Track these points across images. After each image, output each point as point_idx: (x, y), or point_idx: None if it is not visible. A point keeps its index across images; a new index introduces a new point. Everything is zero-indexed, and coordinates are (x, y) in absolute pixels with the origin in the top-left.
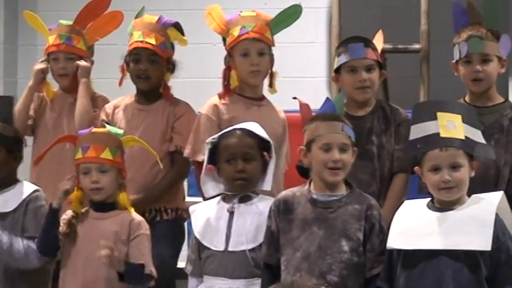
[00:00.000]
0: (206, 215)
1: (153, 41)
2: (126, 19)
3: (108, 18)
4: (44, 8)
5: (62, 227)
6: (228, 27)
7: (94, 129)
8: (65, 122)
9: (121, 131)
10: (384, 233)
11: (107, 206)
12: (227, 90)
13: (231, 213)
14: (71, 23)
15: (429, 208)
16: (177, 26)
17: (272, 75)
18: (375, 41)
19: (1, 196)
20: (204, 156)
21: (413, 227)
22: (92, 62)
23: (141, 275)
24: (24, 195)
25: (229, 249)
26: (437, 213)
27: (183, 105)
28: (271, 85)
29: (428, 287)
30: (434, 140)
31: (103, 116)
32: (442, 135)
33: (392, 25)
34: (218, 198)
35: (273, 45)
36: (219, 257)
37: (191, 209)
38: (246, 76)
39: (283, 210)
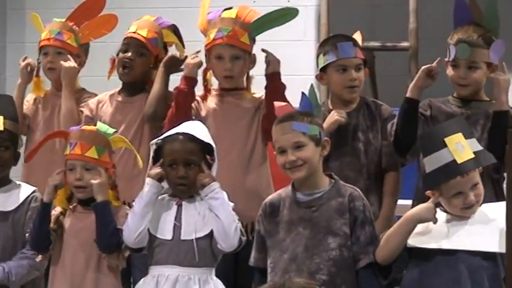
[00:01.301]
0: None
1: (144, 34)
2: (119, 17)
3: (103, 20)
4: (32, 6)
5: (51, 225)
6: (208, 27)
7: (84, 127)
8: (55, 121)
9: (111, 131)
10: (370, 223)
11: (93, 201)
12: (206, 91)
13: (179, 205)
14: (63, 20)
15: (443, 211)
16: (175, 30)
17: (248, 79)
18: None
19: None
20: None
21: (431, 227)
22: (83, 62)
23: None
24: (25, 196)
25: (182, 238)
26: (454, 216)
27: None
28: (247, 88)
29: (448, 285)
30: (453, 169)
31: (87, 112)
32: (459, 161)
33: (381, 23)
34: (165, 194)
35: (251, 48)
36: (169, 245)
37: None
38: (221, 80)
39: (269, 213)
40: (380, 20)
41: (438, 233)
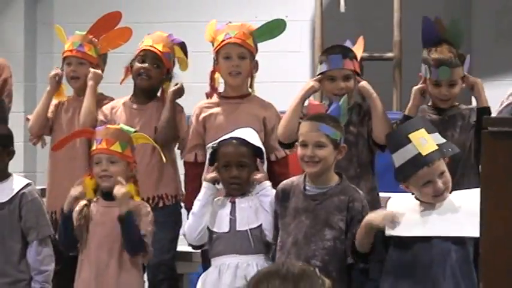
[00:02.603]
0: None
1: (160, 48)
2: (135, 31)
3: (119, 33)
4: (60, 20)
5: (76, 215)
6: (216, 35)
7: (108, 125)
8: (76, 122)
9: (132, 129)
10: None
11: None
12: (213, 89)
13: (233, 202)
14: (84, 33)
15: (417, 199)
16: (183, 46)
17: (252, 78)
18: (356, 47)
19: None
20: (191, 158)
21: (407, 216)
22: (102, 70)
23: (136, 231)
24: (18, 188)
25: (237, 229)
26: (427, 205)
27: (175, 105)
28: (251, 86)
29: (424, 269)
30: (419, 161)
31: (101, 117)
32: (424, 153)
33: (369, 36)
34: (219, 197)
35: (255, 52)
36: (226, 237)
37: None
38: (227, 77)
39: (281, 198)
40: (367, 33)
41: (413, 221)
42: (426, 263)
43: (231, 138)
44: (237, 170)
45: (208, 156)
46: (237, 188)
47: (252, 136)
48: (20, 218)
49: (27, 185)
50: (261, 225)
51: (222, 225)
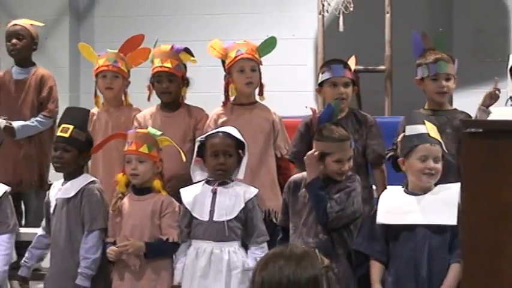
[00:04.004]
0: (194, 193)
1: (169, 65)
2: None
3: (141, 52)
4: (99, 40)
5: (111, 207)
6: (226, 52)
7: (137, 130)
8: (110, 130)
9: (159, 132)
10: (355, 194)
11: (144, 190)
12: (227, 99)
13: (214, 193)
14: (116, 51)
15: (406, 193)
16: (187, 50)
17: (262, 87)
18: (349, 63)
19: (68, 184)
20: None
21: (396, 206)
22: (129, 82)
23: (162, 249)
24: (83, 184)
25: (214, 219)
26: (414, 197)
27: (199, 111)
28: (261, 93)
29: (409, 253)
30: (425, 137)
31: (136, 124)
32: (431, 134)
33: (363, 51)
34: (203, 181)
35: (261, 64)
36: (205, 225)
37: (182, 190)
38: (242, 87)
39: (292, 188)
40: (362, 48)
41: (402, 211)
42: (411, 248)
43: (218, 132)
44: (223, 158)
45: (196, 148)
46: (222, 174)
47: (235, 131)
48: (81, 211)
49: (92, 182)
50: (236, 217)
51: (203, 214)
